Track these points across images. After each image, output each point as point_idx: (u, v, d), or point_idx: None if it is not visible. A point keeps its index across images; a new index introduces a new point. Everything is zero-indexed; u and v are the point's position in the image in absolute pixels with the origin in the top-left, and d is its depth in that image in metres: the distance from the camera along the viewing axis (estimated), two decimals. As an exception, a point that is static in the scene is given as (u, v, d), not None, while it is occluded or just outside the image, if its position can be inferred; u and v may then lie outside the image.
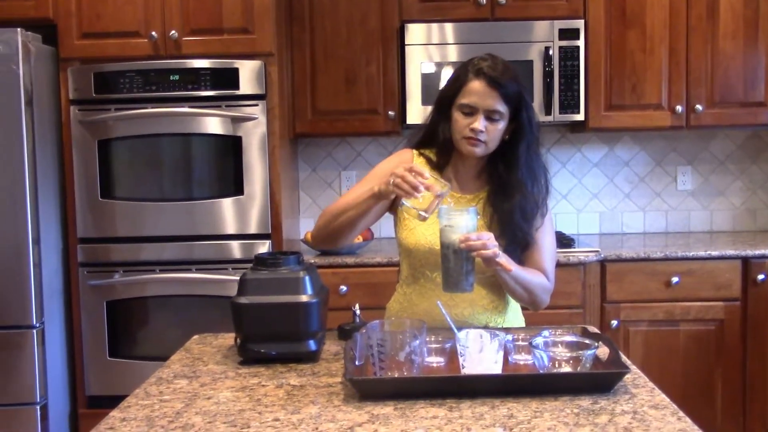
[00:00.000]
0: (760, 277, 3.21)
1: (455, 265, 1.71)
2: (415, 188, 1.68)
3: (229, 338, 1.94)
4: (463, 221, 1.70)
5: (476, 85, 1.83)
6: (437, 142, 1.94)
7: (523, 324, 2.04)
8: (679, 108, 3.48)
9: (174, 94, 3.18)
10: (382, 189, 1.77)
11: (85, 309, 3.23)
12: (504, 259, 1.76)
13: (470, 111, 1.84)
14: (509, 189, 1.88)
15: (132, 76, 3.17)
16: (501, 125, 1.85)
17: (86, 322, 3.24)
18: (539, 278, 1.89)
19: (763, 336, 3.24)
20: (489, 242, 1.69)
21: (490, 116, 1.83)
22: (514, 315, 2.02)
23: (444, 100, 1.91)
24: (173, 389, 1.56)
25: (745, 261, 3.23)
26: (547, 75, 3.40)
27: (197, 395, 1.52)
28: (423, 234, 1.91)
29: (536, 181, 1.90)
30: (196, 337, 2.00)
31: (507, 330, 1.75)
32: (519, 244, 1.89)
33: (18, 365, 3.05)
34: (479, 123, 1.82)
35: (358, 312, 1.93)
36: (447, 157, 1.94)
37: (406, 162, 1.92)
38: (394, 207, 1.98)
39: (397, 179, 1.70)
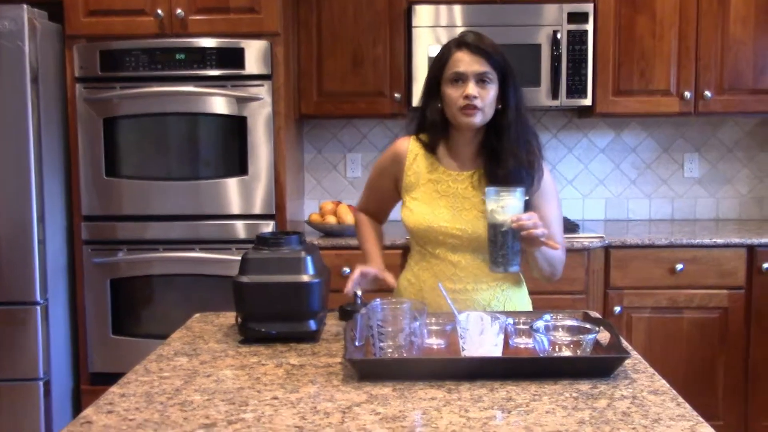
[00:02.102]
0: (765, 265, 3.19)
1: (505, 245, 1.72)
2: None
3: (229, 317, 1.94)
4: (513, 202, 1.72)
5: (460, 55, 1.88)
6: (428, 124, 1.98)
7: (529, 306, 2.05)
8: (687, 94, 3.45)
9: (180, 73, 3.17)
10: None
11: (89, 286, 3.25)
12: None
13: (459, 78, 1.87)
14: (502, 156, 1.90)
15: (138, 55, 3.16)
16: (492, 89, 1.88)
17: (90, 300, 3.25)
18: (557, 252, 1.92)
19: (767, 325, 3.23)
20: (538, 222, 1.72)
21: (481, 79, 1.87)
22: (521, 296, 2.03)
23: (431, 81, 1.95)
24: (173, 366, 1.57)
25: (751, 249, 3.22)
26: (555, 59, 3.38)
27: (197, 373, 1.52)
28: (421, 213, 1.96)
29: (527, 145, 1.92)
30: (197, 315, 2.00)
31: (508, 313, 1.74)
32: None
33: (22, 341, 3.07)
34: (471, 88, 1.86)
35: (359, 293, 1.93)
36: (438, 138, 1.98)
37: (401, 156, 2.02)
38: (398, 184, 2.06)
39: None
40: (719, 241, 3.22)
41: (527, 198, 1.81)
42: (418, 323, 1.55)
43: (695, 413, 1.30)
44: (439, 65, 1.92)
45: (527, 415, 1.28)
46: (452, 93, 1.89)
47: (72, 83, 3.20)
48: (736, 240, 3.23)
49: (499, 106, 1.91)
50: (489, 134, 1.94)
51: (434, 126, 1.96)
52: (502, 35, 3.36)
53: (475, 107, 1.87)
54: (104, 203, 3.23)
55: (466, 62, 1.87)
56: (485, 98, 1.87)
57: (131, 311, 3.30)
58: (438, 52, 1.96)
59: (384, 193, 2.12)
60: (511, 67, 1.90)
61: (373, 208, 2.19)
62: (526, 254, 1.86)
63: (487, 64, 1.87)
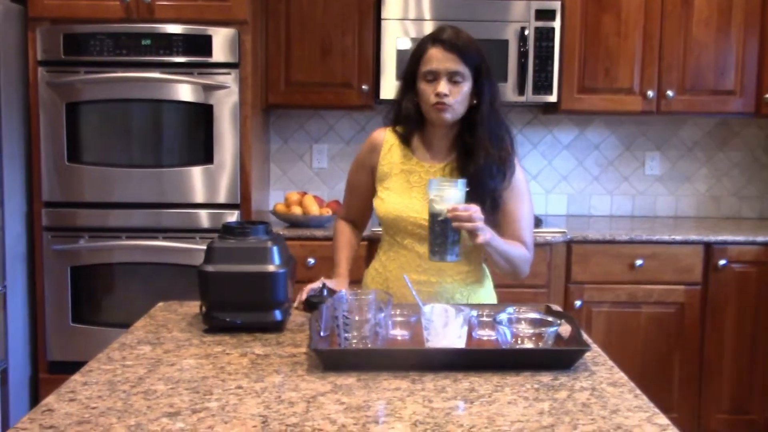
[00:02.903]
0: (722, 262, 3.27)
1: (441, 234, 1.75)
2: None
3: (194, 306, 1.93)
4: (451, 193, 1.74)
5: (434, 51, 1.90)
6: (403, 116, 2.00)
7: (494, 301, 2.07)
8: (650, 93, 3.51)
9: (145, 59, 3.13)
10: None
11: (49, 274, 3.20)
12: (488, 234, 1.82)
13: (432, 77, 1.90)
14: (474, 150, 1.93)
15: (103, 39, 3.11)
16: (465, 87, 1.90)
17: (49, 287, 3.20)
18: (520, 250, 1.95)
19: (722, 320, 3.31)
20: (475, 215, 1.74)
21: (453, 78, 1.89)
22: (485, 291, 2.05)
23: (408, 75, 1.98)
24: (136, 355, 1.56)
25: (708, 246, 3.29)
26: (522, 55, 3.41)
27: (160, 362, 1.52)
28: (392, 203, 1.98)
29: (499, 141, 1.94)
30: (160, 304, 1.99)
31: (472, 306, 1.76)
32: (486, 202, 1.92)
33: (-22, 328, 3.02)
34: (442, 86, 1.88)
35: (325, 284, 1.93)
36: (413, 130, 2.01)
37: (377, 145, 2.05)
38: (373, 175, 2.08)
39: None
40: (678, 237, 3.29)
41: (485, 191, 1.85)
42: (383, 314, 1.56)
43: (652, 405, 1.33)
44: (414, 60, 1.94)
45: (489, 406, 1.30)
46: (425, 89, 1.91)
47: (34, 66, 3.14)
48: (693, 237, 3.30)
49: (474, 102, 1.93)
50: (463, 128, 1.96)
51: (409, 118, 1.98)
52: (469, 30, 3.33)
53: (445, 104, 1.89)
54: (65, 189, 3.18)
55: (438, 60, 1.88)
56: (456, 95, 1.89)
57: (92, 299, 3.26)
58: (415, 45, 1.98)
59: (363, 190, 2.11)
60: (486, 63, 1.92)
61: (354, 212, 2.19)
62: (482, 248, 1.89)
63: (460, 63, 1.88)
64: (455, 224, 1.73)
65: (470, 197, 1.89)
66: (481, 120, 1.92)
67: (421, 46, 1.93)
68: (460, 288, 1.98)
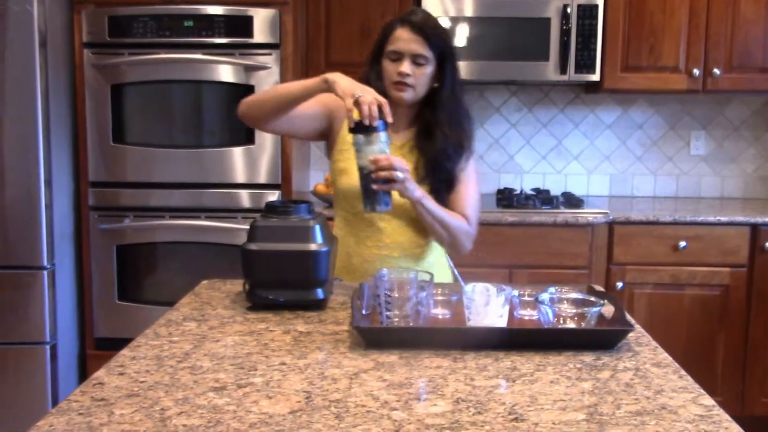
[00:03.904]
0: (768, 244, 3.21)
1: (368, 185, 1.79)
2: (372, 119, 1.74)
3: (237, 284, 1.96)
4: (376, 146, 1.77)
5: (401, 32, 1.93)
6: None
7: (449, 277, 2.01)
8: (696, 71, 3.43)
9: (188, 40, 3.16)
10: (340, 87, 1.81)
11: (95, 252, 3.27)
12: (419, 191, 1.85)
13: (397, 57, 1.93)
14: (432, 130, 1.97)
15: (146, 21, 3.15)
16: (427, 70, 1.93)
17: (96, 266, 3.28)
18: (459, 221, 1.97)
19: (768, 303, 3.26)
20: (397, 164, 1.76)
21: (416, 60, 1.92)
22: (442, 266, 2.03)
23: (374, 52, 2.00)
24: (182, 331, 1.59)
25: (754, 228, 3.23)
26: (564, 33, 3.36)
27: (206, 338, 1.54)
28: (355, 175, 1.86)
29: (458, 124, 1.98)
30: (205, 282, 2.02)
31: (514, 286, 1.76)
32: (444, 183, 1.98)
33: (29, 305, 3.10)
34: (405, 66, 1.91)
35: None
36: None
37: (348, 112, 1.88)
38: (330, 140, 2.06)
39: (366, 98, 1.75)
40: (723, 219, 3.23)
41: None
42: (424, 293, 1.57)
43: (697, 386, 1.32)
44: (382, 38, 1.97)
45: (532, 385, 1.30)
46: (388, 67, 1.94)
47: (80, 48, 3.19)
48: (739, 218, 3.24)
49: (436, 85, 1.96)
50: (424, 107, 2.00)
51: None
52: (511, 8, 3.35)
53: (406, 84, 1.92)
54: (111, 169, 3.24)
55: (404, 41, 1.91)
56: (419, 77, 1.92)
57: (137, 278, 3.32)
58: (385, 24, 2.00)
59: (303, 114, 1.98)
60: (451, 50, 1.95)
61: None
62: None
63: (425, 46, 1.90)
64: (374, 175, 1.76)
65: (429, 178, 1.95)
66: (441, 103, 1.96)
67: (390, 25, 1.96)
68: (420, 263, 2.01)
